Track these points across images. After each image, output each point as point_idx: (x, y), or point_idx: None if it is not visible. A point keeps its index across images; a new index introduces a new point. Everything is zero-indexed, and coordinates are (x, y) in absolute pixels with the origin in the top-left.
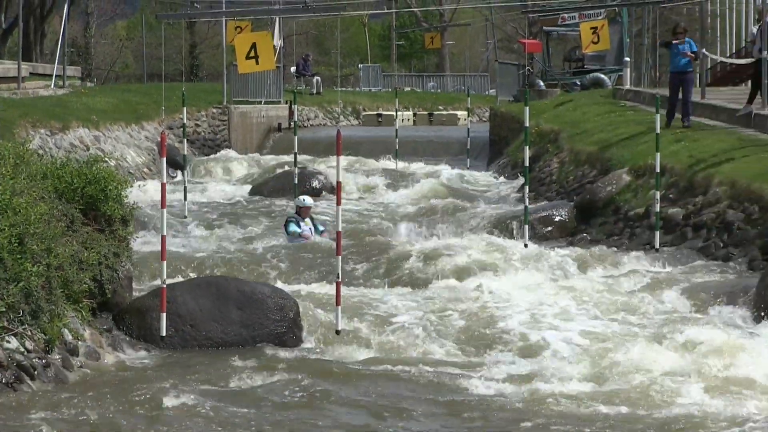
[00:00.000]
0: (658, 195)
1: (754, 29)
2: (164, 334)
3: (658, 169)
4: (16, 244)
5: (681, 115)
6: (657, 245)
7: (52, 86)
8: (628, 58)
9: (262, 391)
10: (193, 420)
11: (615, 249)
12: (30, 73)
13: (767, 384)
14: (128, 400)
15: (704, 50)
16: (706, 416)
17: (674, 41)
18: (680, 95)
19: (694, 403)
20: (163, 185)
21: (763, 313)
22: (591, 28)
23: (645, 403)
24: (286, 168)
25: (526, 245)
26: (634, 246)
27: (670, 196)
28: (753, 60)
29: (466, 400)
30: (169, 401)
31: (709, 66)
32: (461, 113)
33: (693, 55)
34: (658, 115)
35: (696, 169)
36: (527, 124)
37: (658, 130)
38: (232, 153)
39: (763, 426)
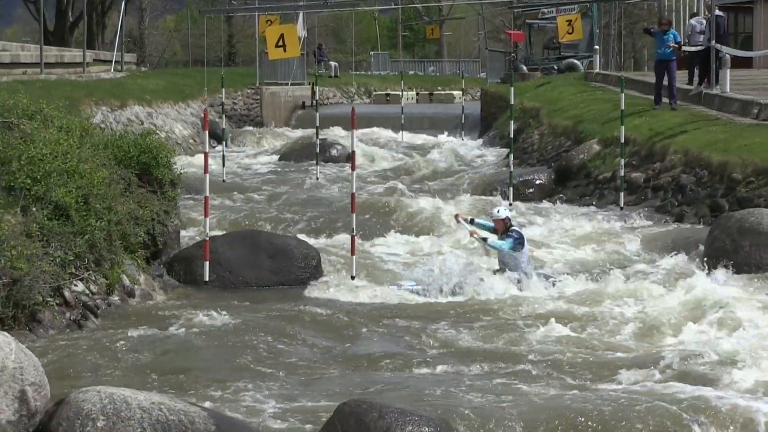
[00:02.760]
0: (622, 162)
1: (693, 21)
2: (207, 279)
3: (622, 140)
4: (82, 204)
5: (668, 99)
6: (622, 204)
7: (112, 70)
8: (597, 47)
9: (288, 324)
10: (231, 348)
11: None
12: (93, 60)
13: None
14: (177, 333)
15: None
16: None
17: (660, 30)
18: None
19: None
20: (205, 154)
21: (711, 261)
22: (566, 21)
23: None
24: (310, 139)
25: (510, 204)
26: (603, 205)
27: (633, 162)
28: (702, 48)
29: (466, 324)
30: (211, 334)
31: None
32: (457, 93)
33: (677, 45)
34: (623, 95)
35: (655, 140)
36: (512, 102)
37: (623, 107)
38: (263, 127)
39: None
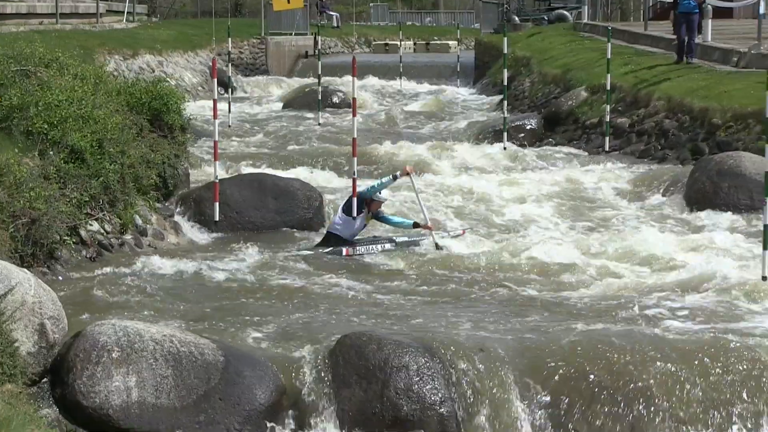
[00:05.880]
0: (608, 108)
1: None
2: (217, 219)
3: (609, 87)
4: (96, 147)
5: (686, 53)
6: (607, 148)
7: (124, 21)
8: None
9: (293, 263)
10: (239, 285)
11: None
12: (106, 11)
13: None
14: (187, 271)
15: None
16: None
17: None
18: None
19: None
20: (214, 101)
21: (691, 202)
22: None
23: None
24: (312, 87)
25: (504, 147)
26: (590, 149)
27: (619, 108)
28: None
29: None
30: (220, 271)
31: (650, 4)
32: (452, 43)
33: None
34: (609, 44)
35: (639, 87)
36: (505, 52)
37: (609, 56)
38: (268, 75)
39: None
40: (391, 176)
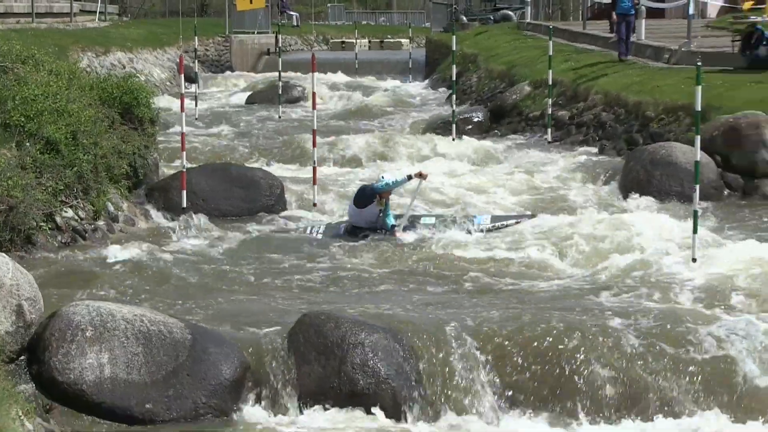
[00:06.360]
0: (550, 102)
1: None
2: (184, 206)
3: (550, 82)
4: (70, 139)
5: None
6: (549, 139)
7: (97, 20)
8: None
9: (257, 247)
10: (205, 267)
11: (518, 141)
12: (80, 10)
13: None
14: (157, 254)
15: None
16: None
17: None
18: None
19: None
20: (181, 95)
21: (626, 189)
22: None
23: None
24: (274, 82)
25: (453, 138)
26: (533, 140)
27: (560, 102)
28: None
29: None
30: (187, 255)
31: (589, 5)
32: (405, 41)
33: (637, 1)
34: (551, 42)
35: (579, 83)
36: (454, 49)
37: (551, 53)
38: (233, 71)
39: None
40: (406, 176)
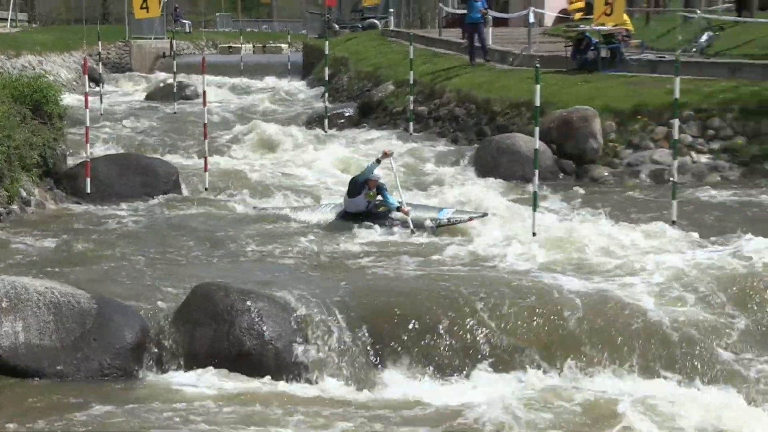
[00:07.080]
0: (411, 99)
1: None
2: (89, 191)
3: (411, 82)
4: None
5: (482, 56)
6: (411, 131)
7: (8, 26)
8: (392, 9)
9: (155, 227)
10: (110, 245)
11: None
12: None
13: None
14: (66, 231)
15: (440, 4)
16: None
17: None
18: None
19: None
20: (86, 93)
21: (478, 173)
22: None
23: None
24: (169, 81)
25: (325, 131)
26: (397, 132)
27: (419, 99)
28: (466, 11)
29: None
30: (93, 233)
31: (443, 15)
32: (284, 46)
33: (486, 11)
34: (412, 47)
35: (436, 82)
36: (327, 53)
37: (411, 57)
38: (132, 72)
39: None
40: (375, 160)
